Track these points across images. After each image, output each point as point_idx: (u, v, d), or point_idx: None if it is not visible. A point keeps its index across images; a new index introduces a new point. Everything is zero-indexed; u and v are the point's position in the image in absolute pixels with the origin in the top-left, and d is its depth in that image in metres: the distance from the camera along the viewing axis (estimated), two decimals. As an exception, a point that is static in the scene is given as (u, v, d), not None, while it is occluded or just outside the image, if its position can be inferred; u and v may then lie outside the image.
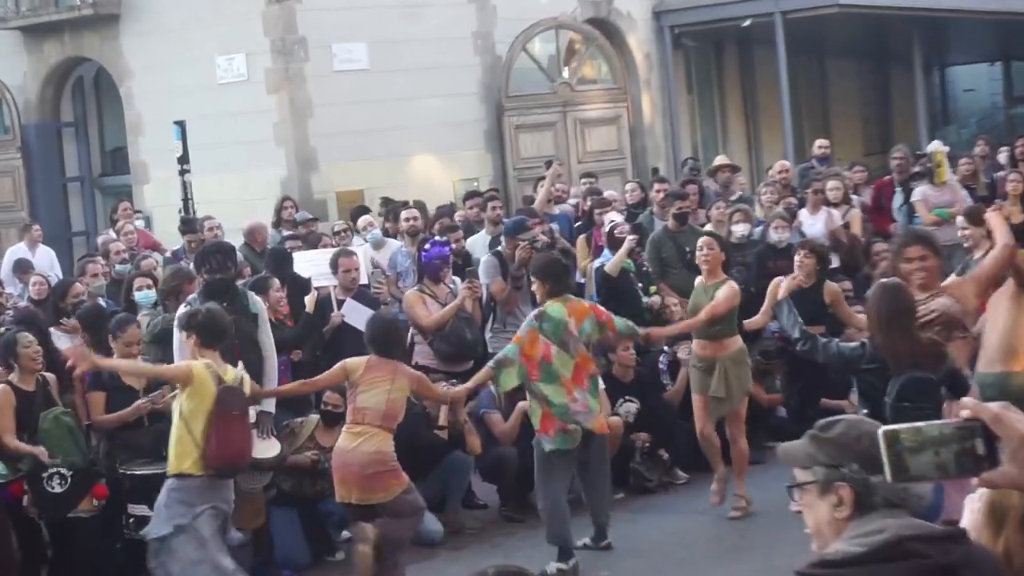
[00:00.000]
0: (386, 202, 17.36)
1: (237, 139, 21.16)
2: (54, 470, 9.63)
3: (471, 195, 16.27)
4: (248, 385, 9.16)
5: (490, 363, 10.13)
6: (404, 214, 14.77)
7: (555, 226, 15.07)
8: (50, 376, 10.18)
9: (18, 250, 18.04)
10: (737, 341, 11.18)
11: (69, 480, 9.56)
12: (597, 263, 13.70)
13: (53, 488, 9.61)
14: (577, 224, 15.73)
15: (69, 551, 9.87)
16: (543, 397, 9.92)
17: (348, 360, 9.71)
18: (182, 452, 8.76)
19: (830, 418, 3.73)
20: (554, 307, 9.97)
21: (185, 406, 8.79)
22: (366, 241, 14.60)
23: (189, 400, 8.78)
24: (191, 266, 11.92)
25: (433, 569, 10.10)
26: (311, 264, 12.81)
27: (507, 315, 12.28)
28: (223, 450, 8.75)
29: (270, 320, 10.74)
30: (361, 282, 12.60)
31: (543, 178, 16.41)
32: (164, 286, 11.62)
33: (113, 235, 16.12)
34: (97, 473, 9.95)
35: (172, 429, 8.86)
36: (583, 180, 17.86)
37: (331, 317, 12.02)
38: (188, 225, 16.03)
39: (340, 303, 12.15)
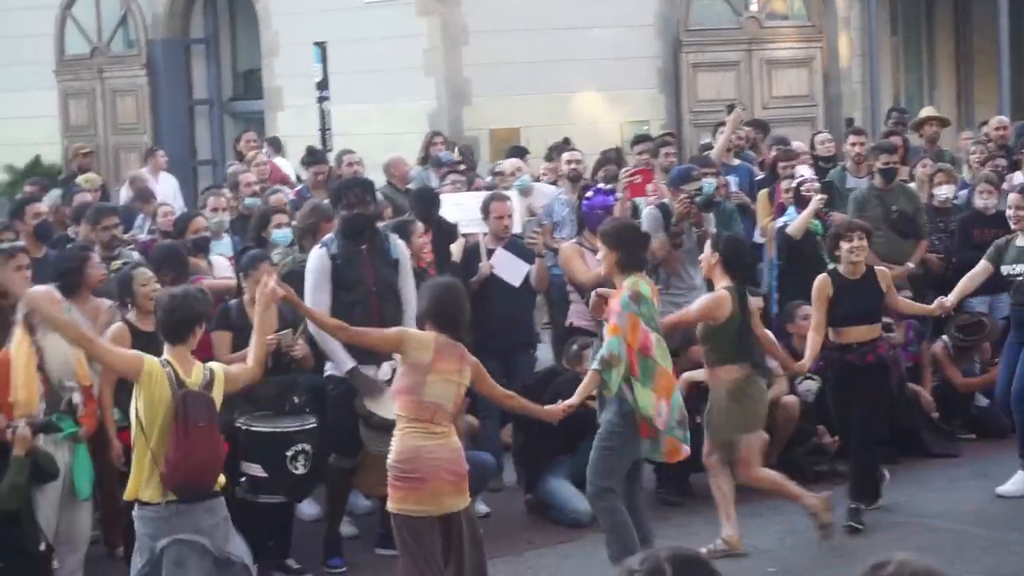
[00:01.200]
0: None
1: (382, 66, 21.31)
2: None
3: (640, 139, 16.24)
4: (221, 382, 8.21)
5: (594, 364, 9.42)
6: (566, 156, 14.79)
7: (732, 179, 14.99)
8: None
9: (140, 176, 18.37)
10: (732, 371, 10.25)
11: None
12: (780, 223, 13.61)
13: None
14: (759, 178, 15.63)
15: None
16: (632, 401, 9.39)
17: (411, 332, 8.76)
18: (139, 472, 7.99)
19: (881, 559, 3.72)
20: (643, 284, 9.47)
21: (141, 411, 8.01)
22: (513, 187, 14.71)
23: (143, 403, 7.99)
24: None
25: (582, 552, 10.17)
26: (459, 208, 12.86)
27: (670, 275, 12.23)
28: (182, 467, 7.84)
29: (412, 268, 10.83)
30: (514, 231, 12.64)
31: (723, 124, 16.31)
32: (301, 223, 11.76)
33: (243, 166, 16.35)
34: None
35: (133, 439, 8.14)
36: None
37: (479, 268, 12.09)
38: (314, 156, 16.08)
39: (490, 253, 12.21)
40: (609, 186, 13.23)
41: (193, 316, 8.16)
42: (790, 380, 12.01)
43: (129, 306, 10.31)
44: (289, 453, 9.86)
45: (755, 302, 12.10)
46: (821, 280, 10.90)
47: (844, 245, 10.94)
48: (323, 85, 20.13)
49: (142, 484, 7.93)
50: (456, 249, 11.97)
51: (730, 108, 16.97)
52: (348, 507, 11.03)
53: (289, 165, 18.70)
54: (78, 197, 14.58)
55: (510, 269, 12.03)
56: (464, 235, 12.30)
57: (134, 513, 8.03)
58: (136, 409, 7.99)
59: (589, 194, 12.60)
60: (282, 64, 23.03)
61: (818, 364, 11.28)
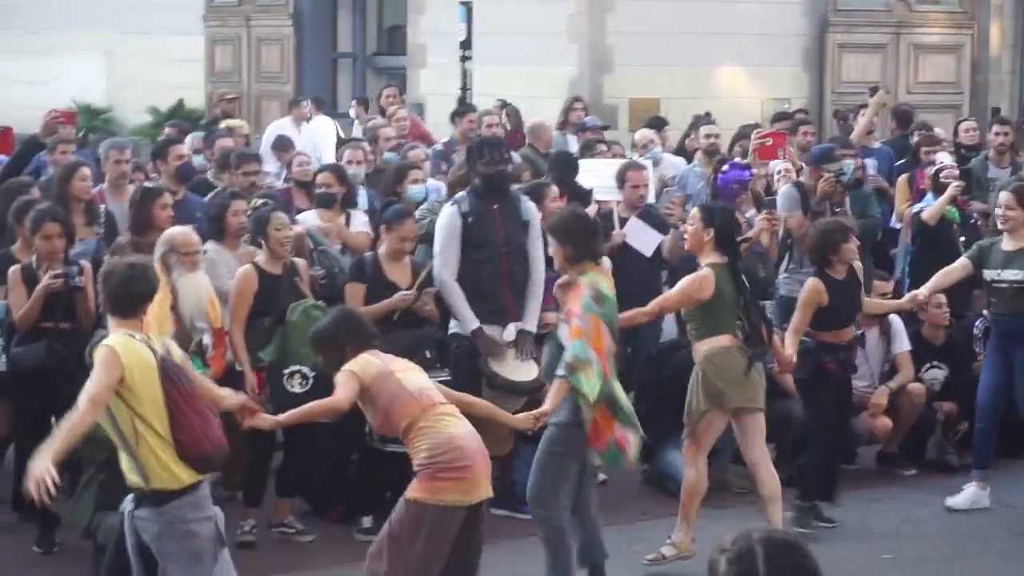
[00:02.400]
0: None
1: (527, 29, 21.34)
2: (296, 368, 9.88)
3: (780, 117, 16.16)
4: (176, 355, 7.38)
5: (560, 371, 8.65)
6: (704, 130, 14.75)
7: (871, 162, 14.87)
8: (300, 262, 10.46)
9: (281, 126, 18.59)
10: (709, 342, 9.52)
11: (311, 381, 9.76)
12: (916, 208, 13.49)
13: (293, 388, 9.81)
14: (900, 162, 15.48)
15: (299, 459, 10.17)
16: (611, 399, 8.76)
17: (353, 373, 7.97)
18: (152, 464, 7.09)
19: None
20: (603, 281, 8.76)
21: (131, 400, 7.03)
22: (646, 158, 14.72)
23: (129, 388, 7.01)
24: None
25: (695, 525, 10.17)
26: (593, 174, 12.87)
27: (804, 254, 12.18)
28: (200, 434, 7.17)
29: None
30: (648, 200, 12.64)
31: (865, 106, 16.18)
32: (452, 179, 11.85)
33: (382, 120, 16.47)
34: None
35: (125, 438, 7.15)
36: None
37: (612, 236, 12.10)
38: (465, 108, 16.17)
39: (623, 221, 12.21)
40: (745, 161, 13.19)
41: (150, 291, 7.33)
42: (917, 368, 11.93)
43: (262, 247, 10.41)
44: None
45: (881, 286, 12.02)
46: (815, 285, 10.27)
47: (844, 246, 10.35)
48: (466, 45, 20.20)
49: (162, 475, 7.09)
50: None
51: (873, 90, 16.82)
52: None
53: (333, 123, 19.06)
54: (219, 142, 14.76)
55: (643, 238, 12.02)
56: (597, 202, 12.30)
57: (164, 515, 7.13)
58: (122, 407, 7.04)
59: (724, 168, 12.56)
60: (427, 21, 23.13)
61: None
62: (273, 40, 25.62)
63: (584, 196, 12.32)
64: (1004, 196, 10.92)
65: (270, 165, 15.80)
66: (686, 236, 9.73)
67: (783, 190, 12.75)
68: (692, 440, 9.67)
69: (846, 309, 10.40)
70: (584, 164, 13.16)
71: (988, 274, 10.81)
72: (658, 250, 12.22)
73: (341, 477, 10.50)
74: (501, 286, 10.23)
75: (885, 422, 11.76)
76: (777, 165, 13.09)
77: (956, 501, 10.92)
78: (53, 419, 9.65)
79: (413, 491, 7.81)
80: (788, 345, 10.09)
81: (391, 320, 10.20)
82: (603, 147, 14.60)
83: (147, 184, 11.58)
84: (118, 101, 27.47)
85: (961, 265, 10.95)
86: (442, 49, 22.05)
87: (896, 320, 11.93)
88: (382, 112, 17.79)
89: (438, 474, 7.80)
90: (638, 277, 11.95)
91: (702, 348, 9.54)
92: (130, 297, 7.20)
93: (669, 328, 13.23)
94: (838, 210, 11.95)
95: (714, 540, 3.93)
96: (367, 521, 10.20)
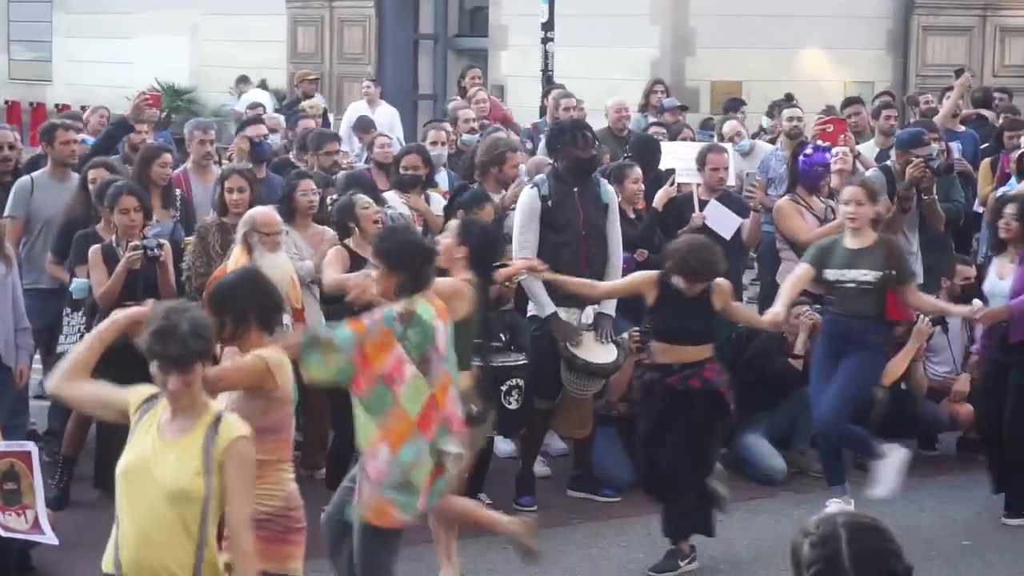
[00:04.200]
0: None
1: (609, 11, 21.32)
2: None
3: (849, 102, 15.93)
4: None
5: (302, 335, 7.78)
6: (787, 113, 14.66)
7: (956, 145, 14.74)
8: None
9: (360, 107, 18.69)
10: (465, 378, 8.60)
11: None
12: (1000, 191, 13.36)
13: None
14: (984, 146, 15.35)
15: (350, 442, 10.16)
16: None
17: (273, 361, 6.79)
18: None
19: None
20: (425, 307, 7.56)
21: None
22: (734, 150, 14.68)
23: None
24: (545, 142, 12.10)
25: (772, 509, 10.18)
26: (673, 157, 12.85)
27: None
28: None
29: (624, 213, 10.80)
30: (728, 183, 12.60)
31: (950, 89, 16.04)
32: (486, 156, 11.69)
33: (463, 102, 16.49)
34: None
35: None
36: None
37: (691, 218, 12.06)
38: (553, 87, 16.17)
39: (703, 204, 12.18)
40: (827, 143, 13.10)
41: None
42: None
43: (354, 231, 10.46)
44: (504, 387, 9.96)
45: (964, 270, 11.92)
46: (650, 277, 9.51)
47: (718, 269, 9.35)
48: (548, 26, 20.15)
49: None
50: (660, 196, 11.92)
51: (959, 72, 16.66)
52: (543, 447, 11.13)
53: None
54: (302, 123, 14.83)
55: (723, 221, 11.97)
56: (677, 183, 12.27)
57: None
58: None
59: (808, 151, 12.48)
60: (509, 3, 23.16)
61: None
62: (355, 21, 25.71)
63: (663, 179, 12.30)
64: (851, 191, 10.24)
65: (351, 146, 15.87)
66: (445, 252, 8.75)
67: (870, 172, 12.67)
68: None
69: (672, 323, 9.34)
70: (665, 147, 13.14)
71: (831, 274, 10.13)
72: (737, 233, 12.17)
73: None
74: (580, 269, 10.20)
75: (967, 408, 11.67)
76: (836, 148, 13.01)
77: None
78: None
79: (260, 560, 6.07)
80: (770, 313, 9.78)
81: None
82: (662, 131, 14.57)
83: (226, 166, 11.67)
84: (201, 82, 27.68)
85: (804, 271, 10.19)
86: (523, 30, 22.04)
87: (979, 305, 11.83)
88: (463, 93, 17.82)
89: (288, 536, 6.76)
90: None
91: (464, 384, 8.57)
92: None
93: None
94: (926, 197, 11.84)
95: (796, 524, 3.92)
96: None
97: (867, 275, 10.04)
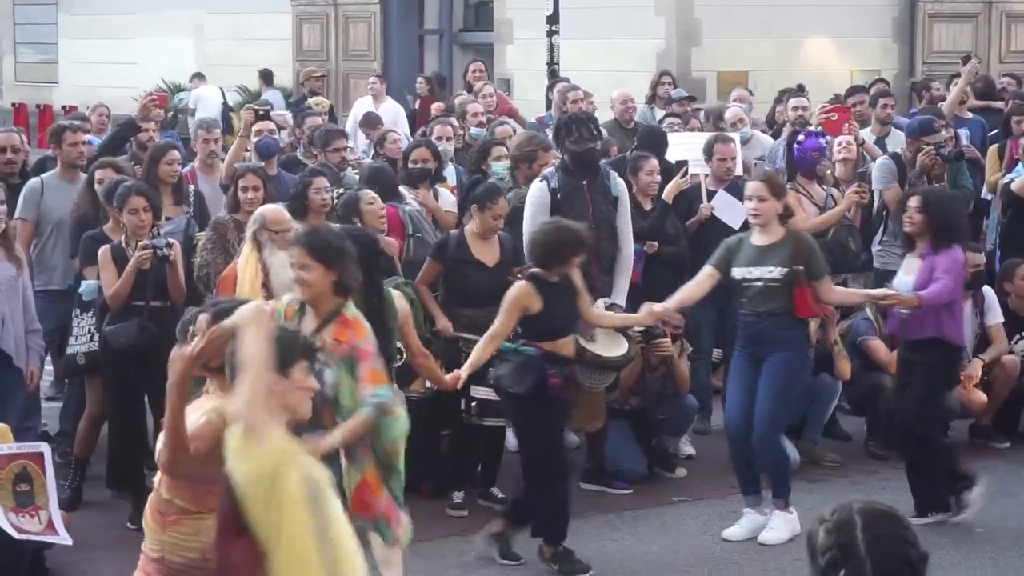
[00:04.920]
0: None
1: (614, 3, 21.33)
2: None
3: (855, 90, 15.88)
4: None
5: (367, 411, 7.34)
6: (792, 102, 14.66)
7: (964, 132, 14.73)
8: (390, 240, 10.48)
9: (367, 103, 18.71)
10: None
11: (404, 356, 9.79)
12: (1007, 178, 13.35)
13: (386, 364, 9.86)
14: (992, 132, 15.33)
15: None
16: (390, 461, 7.74)
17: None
18: None
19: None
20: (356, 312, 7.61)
21: None
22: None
23: None
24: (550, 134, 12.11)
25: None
26: (681, 147, 12.83)
27: (897, 225, 12.11)
28: None
29: (640, 205, 10.78)
30: (736, 173, 12.59)
31: (957, 75, 16.02)
32: (517, 152, 11.68)
33: (470, 96, 16.50)
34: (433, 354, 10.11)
35: None
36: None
37: (699, 209, 12.06)
38: (558, 81, 16.15)
39: (711, 194, 12.17)
40: (819, 128, 13.14)
41: None
42: (1009, 338, 11.83)
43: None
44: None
45: (973, 258, 11.91)
46: (525, 288, 9.16)
47: (574, 259, 9.25)
48: (553, 19, 20.15)
49: None
50: (671, 188, 11.91)
51: (966, 59, 16.67)
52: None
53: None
54: (308, 120, 14.83)
55: (731, 211, 11.96)
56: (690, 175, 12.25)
57: None
58: None
59: (800, 138, 12.51)
60: (514, -3, 23.16)
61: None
62: (360, 18, 25.72)
63: (672, 170, 12.29)
64: (754, 186, 9.84)
65: (358, 142, 15.87)
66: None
67: (879, 162, 12.68)
68: None
69: (562, 317, 9.27)
70: (673, 138, 13.13)
71: (738, 272, 9.73)
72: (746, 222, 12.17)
73: (432, 452, 10.54)
74: (590, 263, 10.17)
75: (979, 395, 11.66)
76: (840, 137, 13.02)
77: (733, 532, 9.78)
78: (146, 397, 9.80)
79: None
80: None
81: (476, 297, 10.18)
82: (676, 120, 14.56)
83: (236, 164, 11.68)
84: (207, 80, 27.69)
85: (705, 273, 9.81)
86: (529, 24, 22.04)
87: (989, 292, 11.83)
88: (468, 88, 17.84)
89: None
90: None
91: None
92: None
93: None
94: (936, 184, 11.84)
95: (807, 513, 3.93)
96: (458, 496, 10.25)
97: (773, 272, 9.64)
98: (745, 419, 9.66)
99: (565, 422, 9.66)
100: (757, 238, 9.73)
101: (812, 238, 10.13)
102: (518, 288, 9.15)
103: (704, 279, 9.78)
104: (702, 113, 15.72)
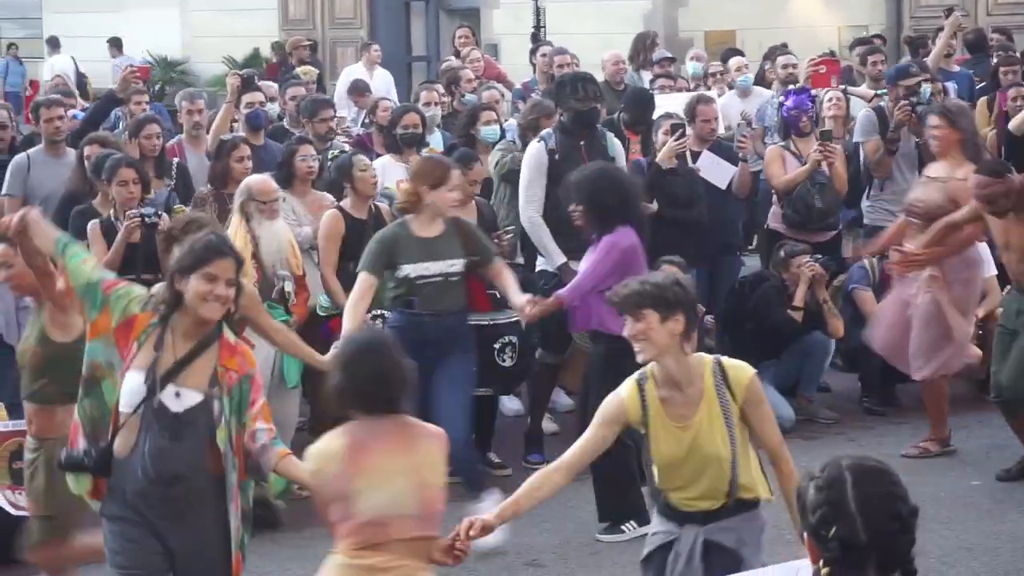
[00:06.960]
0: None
1: (599, -36, 21.25)
2: (378, 312, 9.92)
3: (858, 43, 15.90)
4: None
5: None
6: (781, 60, 14.64)
7: (952, 86, 14.69)
8: (384, 207, 10.48)
9: (355, 71, 18.61)
10: None
11: None
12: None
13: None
14: (981, 85, 15.29)
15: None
16: None
17: None
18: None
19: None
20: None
21: None
22: (732, 87, 14.64)
23: None
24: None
25: (785, 459, 10.15)
26: (662, 110, 12.81)
27: (883, 179, 12.13)
28: None
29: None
30: (719, 133, 12.59)
31: (941, 29, 15.99)
32: (523, 120, 11.80)
33: (457, 62, 16.42)
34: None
35: None
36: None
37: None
38: (540, 44, 16.12)
39: (695, 156, 12.14)
40: (808, 83, 13.16)
41: None
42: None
43: (346, 192, 10.45)
44: (497, 345, 9.93)
45: None
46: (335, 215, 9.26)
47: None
48: (539, -18, 20.16)
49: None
50: (666, 151, 11.87)
51: (948, 11, 16.60)
52: (551, 404, 11.14)
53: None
54: (290, 90, 14.72)
55: (717, 172, 11.96)
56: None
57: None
58: None
59: (782, 99, 12.54)
60: (499, -39, 23.09)
61: None
62: (346, -14, 25.64)
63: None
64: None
65: (346, 111, 15.80)
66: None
67: (861, 114, 12.65)
68: None
69: None
70: (658, 101, 13.08)
71: (411, 270, 9.07)
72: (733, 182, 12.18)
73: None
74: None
75: (974, 349, 11.64)
76: (829, 93, 13.01)
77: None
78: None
79: None
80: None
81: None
82: (667, 81, 14.58)
83: (224, 136, 11.65)
84: (193, 53, 27.60)
85: (363, 281, 8.95)
86: (514, -13, 22.00)
87: (983, 246, 11.81)
88: (456, 54, 17.76)
89: None
90: (716, 209, 11.85)
91: None
92: None
93: (752, 262, 13.23)
94: (917, 138, 11.83)
95: (802, 470, 3.93)
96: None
97: (454, 265, 9.13)
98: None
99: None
100: (418, 229, 9.12)
101: (469, 222, 9.52)
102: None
103: (364, 287, 8.98)
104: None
